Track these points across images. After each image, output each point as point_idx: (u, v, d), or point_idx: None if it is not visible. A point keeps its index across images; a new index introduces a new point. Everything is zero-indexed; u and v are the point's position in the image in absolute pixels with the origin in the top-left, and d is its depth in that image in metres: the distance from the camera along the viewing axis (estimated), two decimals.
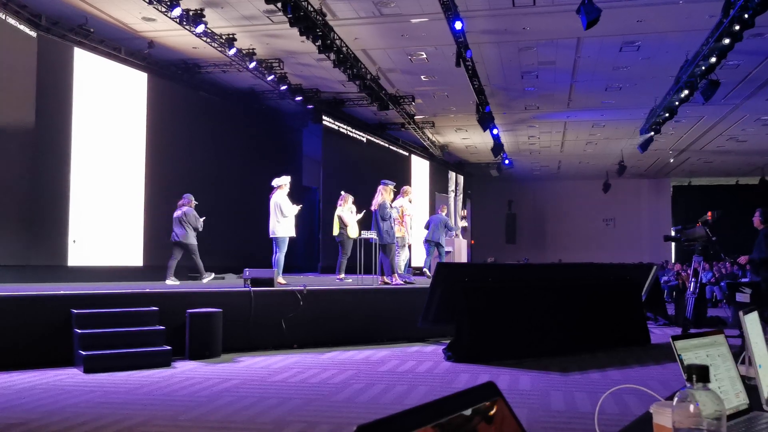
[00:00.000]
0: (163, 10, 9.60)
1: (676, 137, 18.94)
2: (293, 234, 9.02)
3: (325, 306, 7.52)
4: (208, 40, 10.92)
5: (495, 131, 16.52)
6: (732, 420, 1.57)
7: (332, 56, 11.03)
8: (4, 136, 9.41)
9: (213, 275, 10.08)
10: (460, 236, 15.00)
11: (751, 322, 1.79)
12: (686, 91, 12.30)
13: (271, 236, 8.90)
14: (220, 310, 6.58)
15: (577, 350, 6.89)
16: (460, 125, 18.22)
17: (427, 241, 11.91)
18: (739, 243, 10.95)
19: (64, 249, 10.21)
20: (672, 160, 22.51)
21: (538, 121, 17.63)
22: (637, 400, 4.39)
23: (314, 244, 16.72)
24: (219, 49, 11.33)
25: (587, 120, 17.50)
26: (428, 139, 19.28)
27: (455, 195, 23.15)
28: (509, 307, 6.77)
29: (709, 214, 8.46)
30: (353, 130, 16.97)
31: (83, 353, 5.68)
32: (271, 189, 9.01)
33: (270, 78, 12.77)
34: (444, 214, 11.99)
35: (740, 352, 1.97)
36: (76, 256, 10.34)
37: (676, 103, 13.18)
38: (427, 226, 11.97)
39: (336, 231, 10.29)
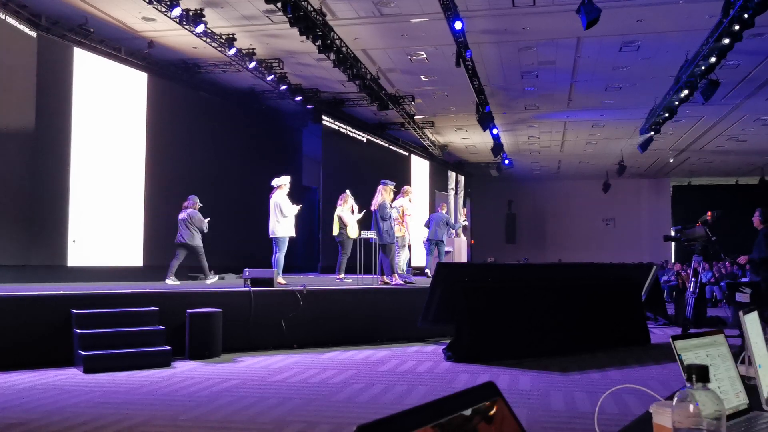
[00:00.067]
0: (163, 10, 9.60)
1: (676, 137, 18.94)
2: (293, 234, 9.03)
3: (325, 306, 7.52)
4: (208, 40, 10.92)
5: (495, 131, 16.52)
6: (732, 420, 1.57)
7: (332, 56, 11.03)
8: (4, 136, 9.40)
9: (217, 277, 10.09)
10: (461, 235, 14.98)
11: (751, 322, 1.79)
12: (686, 91, 12.30)
13: (270, 236, 8.90)
14: (220, 310, 6.58)
15: (577, 350, 6.89)
16: (460, 125, 18.22)
17: (427, 240, 11.91)
18: (739, 243, 10.94)
19: (64, 249, 10.21)
20: (672, 160, 22.51)
21: (538, 121, 17.63)
22: (637, 400, 4.39)
23: (314, 244, 16.71)
24: (219, 49, 11.33)
25: (587, 120, 17.50)
26: (428, 139, 19.28)
27: (455, 193, 23.16)
28: (509, 307, 6.77)
29: (709, 214, 8.46)
30: (353, 130, 16.97)
31: (83, 353, 5.68)
32: (271, 189, 9.01)
33: (270, 78, 12.77)
34: (444, 212, 12.00)
35: (740, 352, 1.97)
36: (76, 256, 10.34)
37: (676, 103, 13.18)
38: (428, 225, 11.97)
39: (336, 231, 10.29)
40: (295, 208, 8.98)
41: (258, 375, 5.52)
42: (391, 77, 13.97)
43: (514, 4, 10.09)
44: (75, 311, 6.05)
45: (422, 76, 13.86)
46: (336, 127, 16.15)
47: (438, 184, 21.72)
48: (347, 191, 10.44)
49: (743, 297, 8.24)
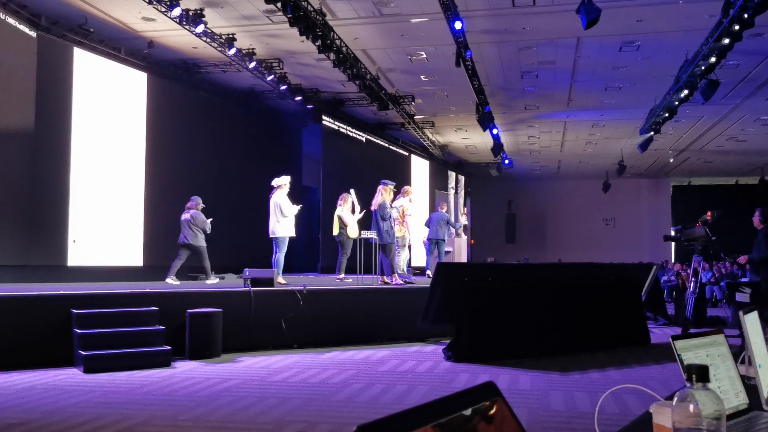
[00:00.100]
0: (163, 10, 9.60)
1: (676, 137, 18.94)
2: (293, 234, 9.02)
3: (325, 306, 7.52)
4: (208, 40, 10.92)
5: (495, 131, 16.52)
6: (732, 420, 1.57)
7: (332, 56, 11.03)
8: (4, 136, 9.40)
9: (218, 279, 10.08)
10: (462, 234, 14.98)
11: (751, 321, 1.79)
12: (686, 91, 12.29)
13: (270, 236, 8.90)
14: (220, 310, 6.59)
15: (577, 350, 6.89)
16: (460, 125, 18.22)
17: (428, 239, 11.91)
18: (739, 243, 10.95)
19: (64, 249, 10.21)
20: (672, 160, 22.51)
21: (537, 120, 17.63)
22: (637, 399, 4.39)
23: (314, 244, 16.72)
24: (219, 49, 11.33)
25: (587, 120, 17.50)
26: (428, 138, 19.28)
27: (455, 193, 23.16)
28: (509, 307, 6.77)
29: (709, 213, 8.46)
30: (353, 130, 16.97)
31: (83, 353, 5.68)
32: (271, 189, 9.01)
33: (270, 78, 12.77)
34: (444, 211, 12.00)
35: (740, 352, 1.97)
36: (76, 256, 10.34)
37: (676, 102, 13.18)
38: (428, 224, 11.97)
39: (336, 231, 10.29)
40: (295, 208, 8.98)
41: (258, 375, 5.52)
42: (391, 77, 13.97)
43: (514, 4, 10.09)
44: (75, 311, 6.05)
45: (422, 76, 13.86)
46: (336, 127, 16.15)
47: (438, 183, 21.72)
48: (351, 191, 10.42)
49: (743, 297, 8.24)
